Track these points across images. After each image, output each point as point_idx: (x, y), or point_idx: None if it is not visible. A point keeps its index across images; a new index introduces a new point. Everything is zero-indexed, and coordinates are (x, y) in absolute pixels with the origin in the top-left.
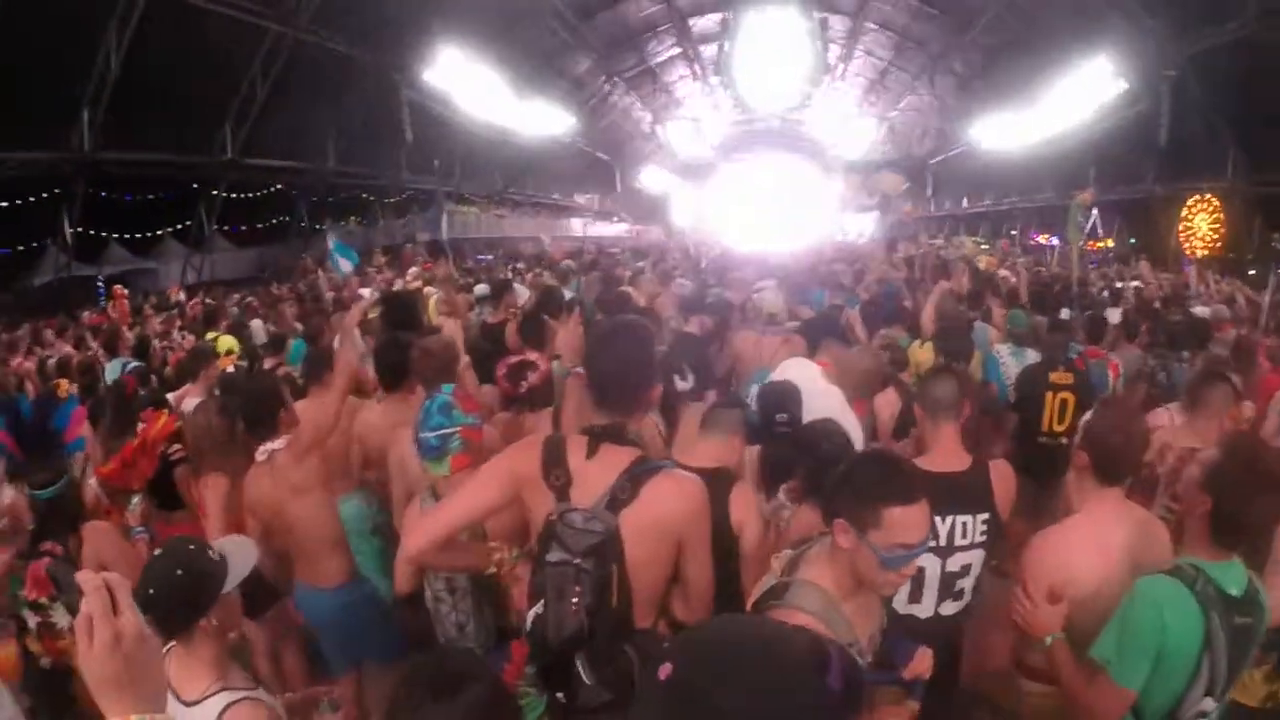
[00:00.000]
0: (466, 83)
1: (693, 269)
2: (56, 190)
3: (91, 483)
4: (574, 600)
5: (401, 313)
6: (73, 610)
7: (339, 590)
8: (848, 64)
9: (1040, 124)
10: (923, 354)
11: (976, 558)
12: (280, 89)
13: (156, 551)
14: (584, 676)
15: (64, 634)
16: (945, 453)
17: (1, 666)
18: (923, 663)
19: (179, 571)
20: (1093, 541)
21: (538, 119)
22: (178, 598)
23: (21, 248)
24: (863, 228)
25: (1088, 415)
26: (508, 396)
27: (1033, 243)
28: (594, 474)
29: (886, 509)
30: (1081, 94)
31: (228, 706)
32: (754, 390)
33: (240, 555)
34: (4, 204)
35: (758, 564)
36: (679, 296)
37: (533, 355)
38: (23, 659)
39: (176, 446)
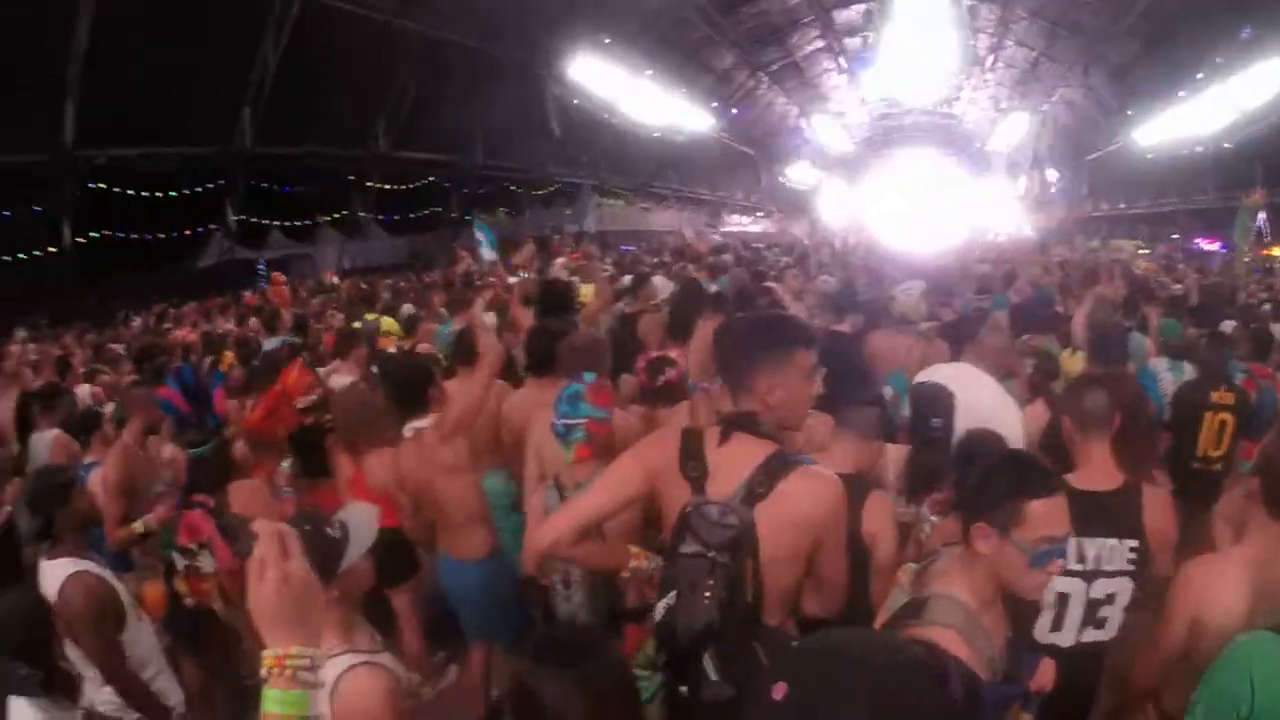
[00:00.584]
0: (612, 79)
1: (839, 265)
2: (221, 181)
3: (240, 443)
4: (706, 594)
5: (556, 300)
6: (244, 555)
7: (480, 563)
8: (998, 54)
9: (1203, 118)
10: (1074, 364)
11: (1122, 586)
12: (430, 87)
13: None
14: (710, 672)
15: (208, 577)
16: (1094, 469)
17: (149, 603)
18: (1046, 674)
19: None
20: (1252, 577)
21: (682, 113)
22: None
23: (189, 232)
24: (1013, 228)
25: (1269, 439)
26: (643, 389)
27: (1196, 247)
28: (730, 466)
29: (1028, 504)
30: (1247, 85)
31: (349, 669)
32: (888, 391)
33: (364, 525)
34: (173, 193)
35: (889, 576)
36: (824, 294)
37: (673, 351)
38: (169, 598)
39: (328, 416)
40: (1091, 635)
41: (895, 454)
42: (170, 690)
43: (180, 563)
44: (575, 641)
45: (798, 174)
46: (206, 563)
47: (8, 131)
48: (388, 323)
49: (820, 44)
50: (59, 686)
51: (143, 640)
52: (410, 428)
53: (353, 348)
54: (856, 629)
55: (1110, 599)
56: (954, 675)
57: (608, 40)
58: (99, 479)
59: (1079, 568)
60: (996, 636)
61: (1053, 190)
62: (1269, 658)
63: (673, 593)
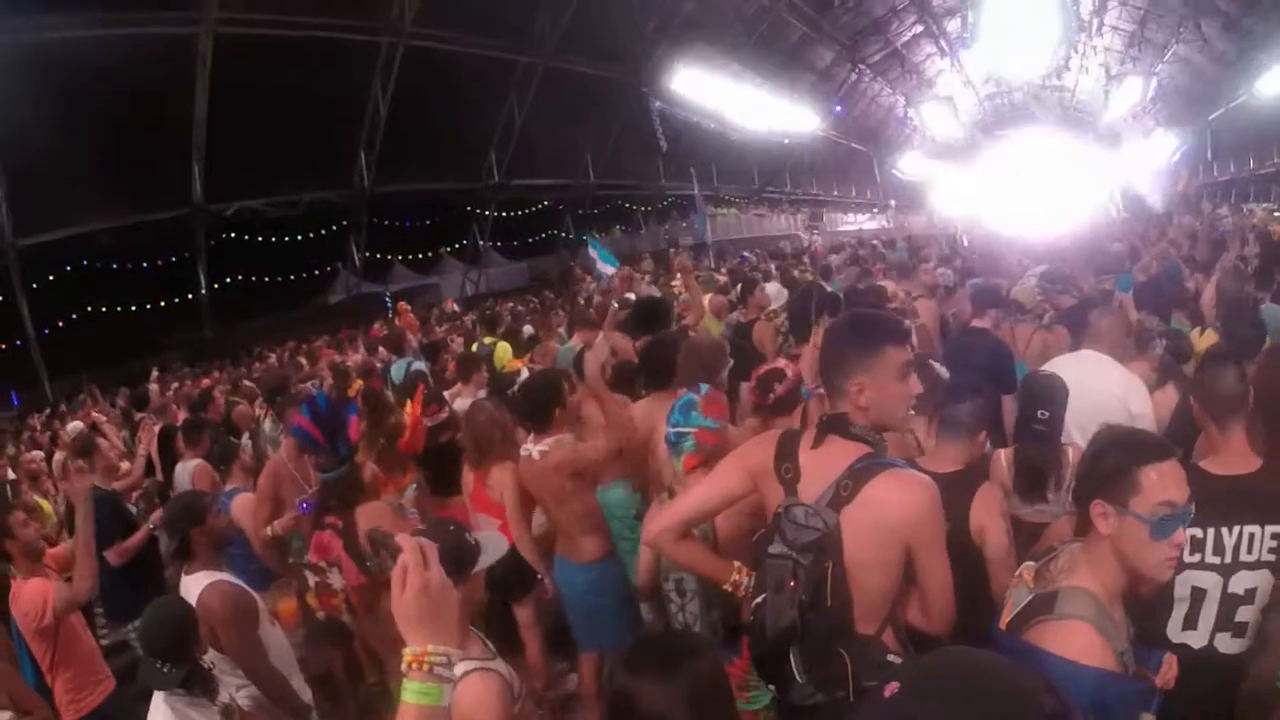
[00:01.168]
0: (714, 88)
1: (957, 257)
2: (344, 221)
3: (370, 464)
4: (789, 595)
5: (648, 317)
6: (385, 568)
7: (591, 565)
8: (1102, 17)
9: None
10: (1204, 342)
11: (1264, 581)
12: (537, 114)
13: (420, 526)
14: (796, 673)
15: (337, 593)
16: (1230, 453)
17: (283, 616)
18: (1170, 671)
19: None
20: None
21: (789, 115)
22: None
23: (318, 271)
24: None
25: None
26: (756, 406)
27: None
28: (820, 468)
29: (1141, 471)
30: None
31: (465, 675)
32: None
33: (492, 546)
34: (299, 236)
35: (1007, 571)
36: (943, 288)
37: (783, 363)
38: (302, 611)
39: (457, 434)
40: (1227, 644)
41: (1009, 455)
42: (302, 692)
43: (311, 579)
44: (669, 648)
45: (910, 165)
46: (336, 579)
47: (147, 193)
48: (502, 348)
49: (919, 29)
50: (198, 683)
51: (274, 646)
52: (527, 447)
53: (473, 371)
54: (982, 651)
55: (1249, 595)
56: (1072, 712)
57: (707, 50)
58: (242, 504)
59: (1215, 560)
60: (1124, 631)
61: (1175, 156)
62: None
63: (763, 593)
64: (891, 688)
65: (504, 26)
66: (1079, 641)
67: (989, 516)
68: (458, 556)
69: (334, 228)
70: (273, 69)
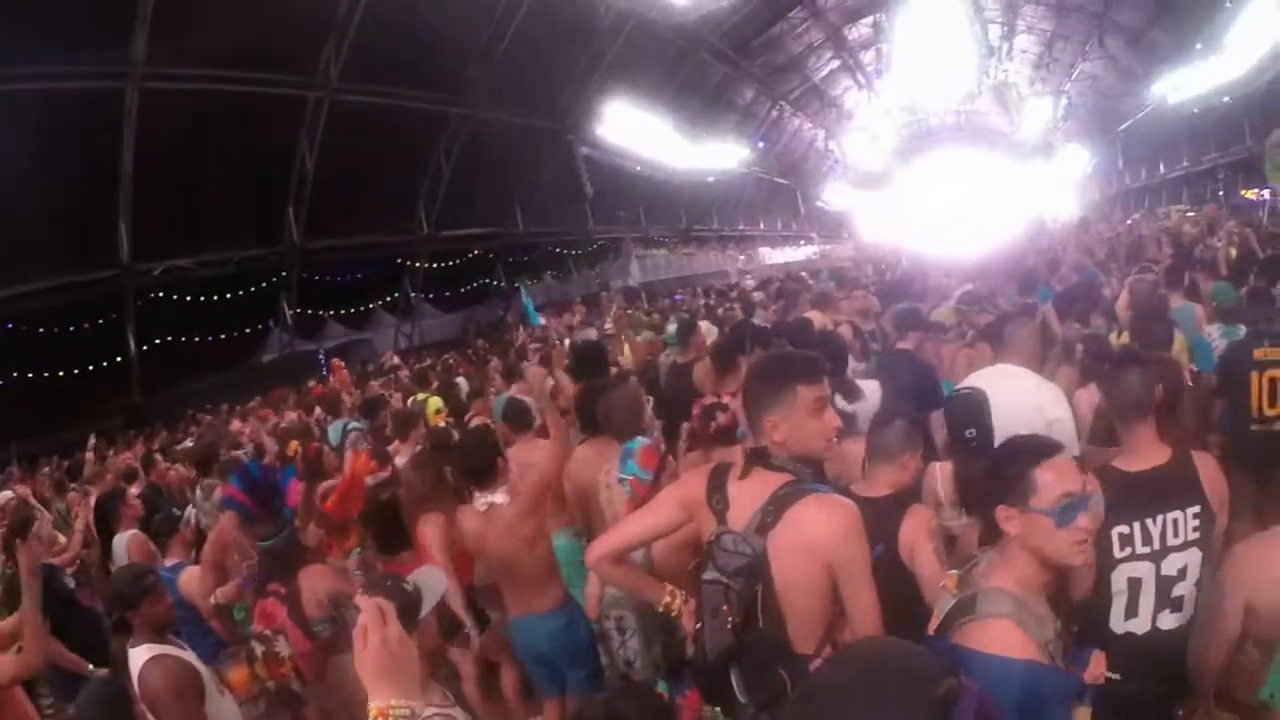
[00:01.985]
0: (639, 132)
1: (881, 281)
2: (275, 278)
3: (312, 527)
4: (726, 619)
5: (588, 362)
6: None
7: (551, 615)
8: (1010, 41)
9: (1230, 66)
10: (1122, 344)
11: (1193, 558)
12: (465, 164)
13: (361, 589)
14: (739, 694)
15: (284, 660)
16: (1142, 449)
17: (236, 686)
18: (1098, 667)
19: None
20: None
21: (713, 155)
22: None
23: (249, 330)
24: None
25: None
26: (694, 435)
27: (1242, 200)
28: (747, 497)
29: (1036, 471)
30: (1267, 22)
31: None
32: None
33: (431, 584)
34: (230, 295)
35: (939, 589)
36: (873, 312)
37: (725, 396)
38: (253, 679)
39: (400, 490)
40: (1169, 621)
41: (945, 469)
42: None
43: (259, 649)
44: (610, 712)
45: (834, 195)
46: (283, 647)
47: (73, 253)
48: (433, 403)
49: (836, 64)
50: None
51: (226, 716)
52: (483, 501)
53: (410, 428)
54: (895, 641)
55: (1183, 574)
56: (971, 698)
57: (631, 95)
58: (190, 578)
59: (1146, 550)
60: (1049, 624)
61: (1087, 169)
62: None
63: (700, 621)
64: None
65: (432, 80)
66: (1001, 637)
67: (918, 536)
68: (403, 608)
69: (264, 285)
70: (200, 125)
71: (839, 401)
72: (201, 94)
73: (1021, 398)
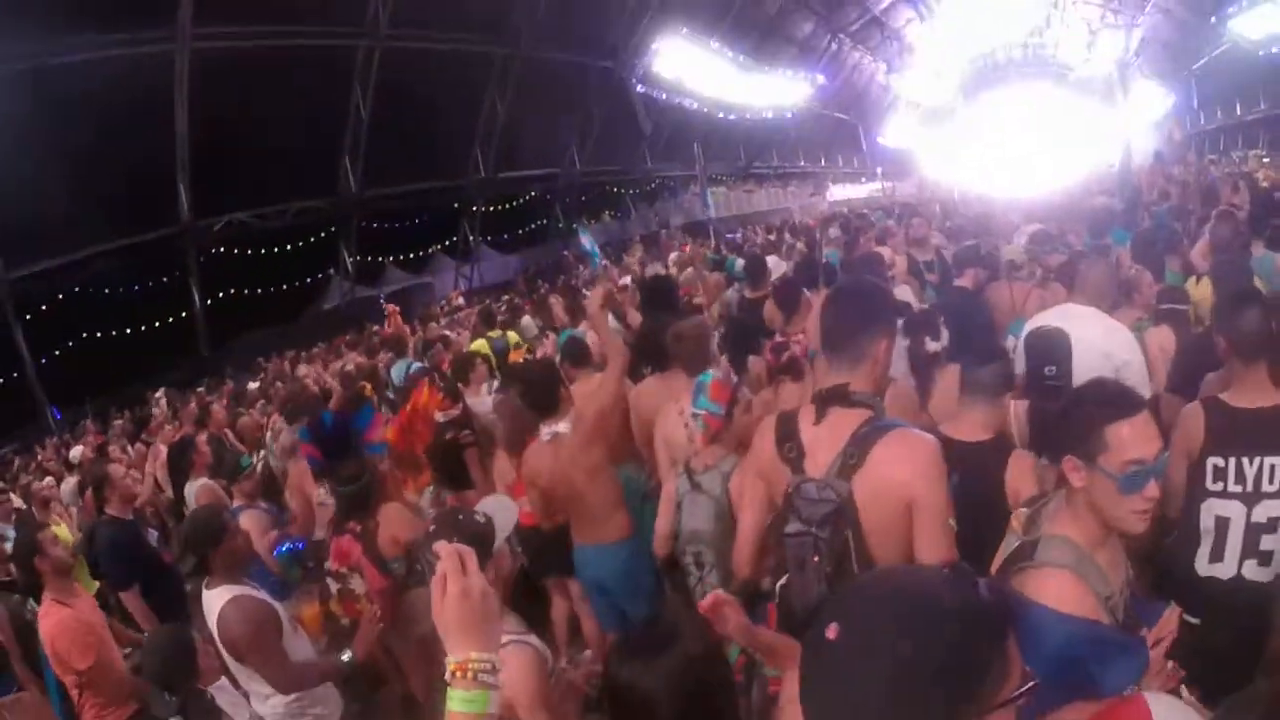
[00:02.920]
0: (695, 68)
1: (949, 220)
2: (334, 227)
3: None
4: (814, 570)
5: (658, 296)
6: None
7: (620, 545)
8: None
9: None
10: (1200, 291)
11: None
12: (519, 106)
13: (430, 525)
14: None
15: (360, 598)
16: (1252, 387)
17: (306, 624)
18: (1169, 624)
19: (454, 539)
20: None
21: (771, 90)
22: None
23: (310, 280)
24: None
25: None
26: (770, 370)
27: None
28: (824, 441)
29: (1108, 427)
30: None
31: (501, 648)
32: (1011, 342)
33: (503, 514)
34: (290, 246)
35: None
36: (939, 250)
37: (794, 333)
38: (325, 618)
39: (466, 432)
40: (1255, 571)
41: (1017, 409)
42: (331, 697)
43: (333, 587)
44: (655, 630)
45: (896, 132)
46: (358, 584)
47: (134, 215)
48: (512, 337)
49: None
50: (195, 712)
51: (300, 654)
52: (547, 431)
53: (469, 372)
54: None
55: (1273, 525)
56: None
57: (685, 30)
58: (250, 521)
59: (1238, 489)
60: (1114, 577)
61: (1161, 108)
62: None
63: (786, 572)
64: (832, 629)
65: (480, 22)
66: (1055, 588)
67: (1022, 481)
68: (478, 539)
69: (324, 235)
70: (252, 82)
71: (929, 343)
72: (252, 50)
73: (1089, 341)
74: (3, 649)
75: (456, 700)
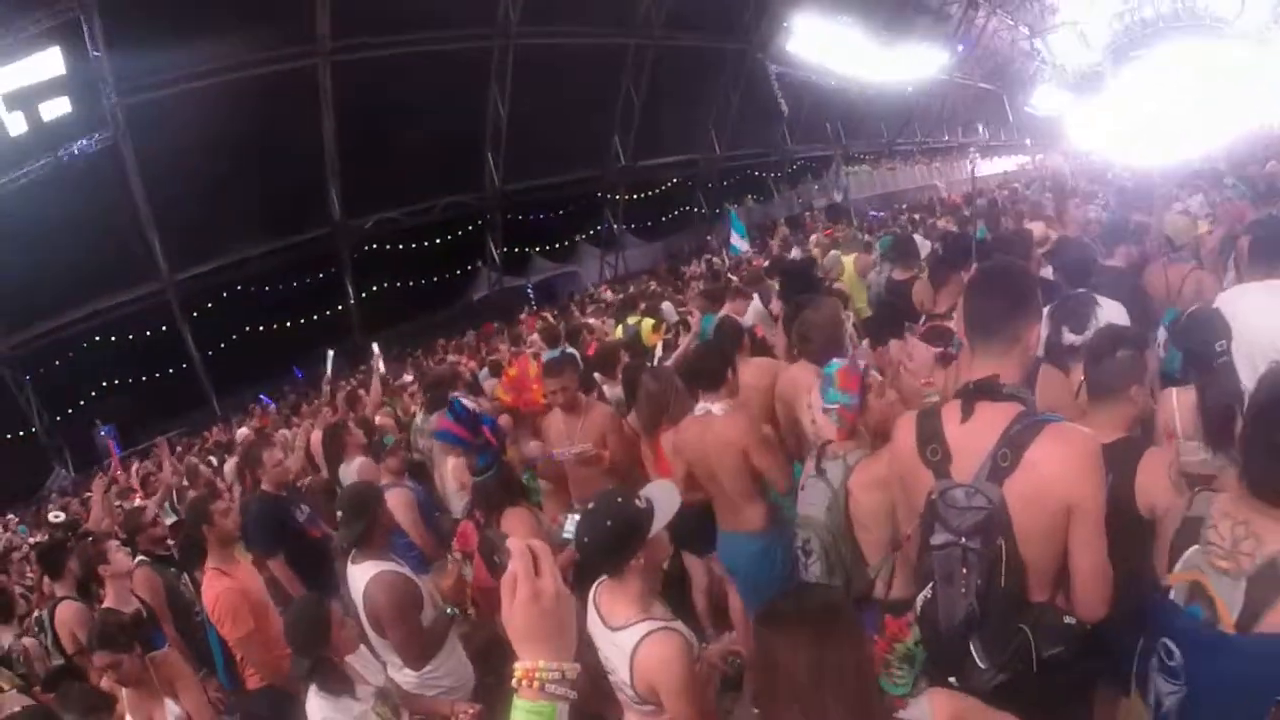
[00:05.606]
0: (829, 44)
1: (1106, 192)
2: (480, 221)
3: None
4: (962, 585)
5: (797, 280)
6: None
7: (756, 536)
8: None
9: None
10: None
11: None
12: (655, 93)
13: (589, 505)
14: (978, 660)
15: (467, 586)
16: None
17: (448, 594)
18: None
19: (608, 522)
20: None
21: (909, 63)
22: (607, 544)
23: (459, 271)
24: None
25: None
26: (939, 356)
27: None
28: (972, 441)
29: None
30: None
31: (648, 634)
32: (1161, 334)
33: (666, 499)
34: (438, 240)
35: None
36: (1084, 225)
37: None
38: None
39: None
40: None
41: (1183, 399)
42: (464, 667)
43: (452, 565)
44: (803, 603)
45: (1044, 100)
46: (469, 573)
47: (289, 218)
48: (647, 324)
49: None
50: (323, 677)
51: (439, 625)
52: (702, 408)
53: (612, 364)
54: None
55: None
56: None
57: (817, 9)
58: (395, 499)
59: None
60: None
61: None
62: None
63: (930, 585)
64: None
65: (609, 13)
66: None
67: (1161, 488)
68: (630, 526)
69: (470, 228)
70: (393, 86)
71: (1066, 334)
72: (391, 57)
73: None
74: (154, 612)
75: (521, 711)
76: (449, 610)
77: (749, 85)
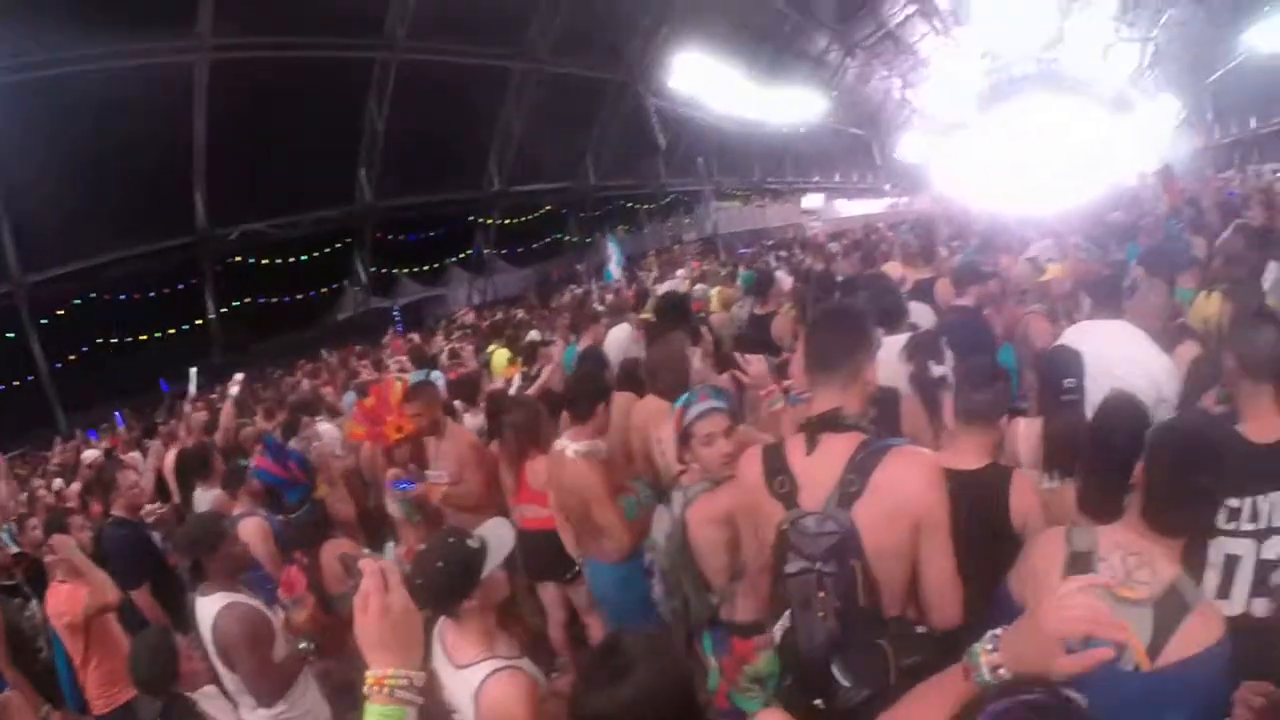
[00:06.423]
0: (710, 82)
1: (961, 236)
2: (349, 238)
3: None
4: (820, 611)
5: (671, 312)
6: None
7: (614, 566)
8: None
9: None
10: (1209, 307)
11: None
12: (535, 118)
13: (421, 545)
14: (841, 679)
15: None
16: (1266, 416)
17: (300, 629)
18: None
19: (439, 564)
20: None
21: (786, 105)
22: (439, 586)
23: (325, 290)
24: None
25: None
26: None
27: None
28: (818, 471)
29: None
30: None
31: (492, 673)
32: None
33: (499, 537)
34: (305, 256)
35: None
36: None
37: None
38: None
39: None
40: (1261, 609)
41: (1026, 429)
42: (319, 707)
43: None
44: (618, 652)
45: (911, 146)
46: (300, 614)
47: (151, 223)
48: (500, 355)
49: (913, 9)
50: (178, 716)
51: (292, 660)
52: (561, 443)
53: (472, 393)
54: None
55: None
56: None
57: (702, 44)
58: (249, 528)
59: (1250, 527)
60: None
61: (1175, 121)
62: None
63: (787, 612)
64: None
65: (497, 34)
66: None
67: (1031, 506)
68: (462, 567)
69: (339, 245)
70: (269, 92)
71: (933, 367)
72: (271, 60)
73: (1141, 365)
74: None
75: (373, 715)
76: (302, 645)
77: (628, 116)
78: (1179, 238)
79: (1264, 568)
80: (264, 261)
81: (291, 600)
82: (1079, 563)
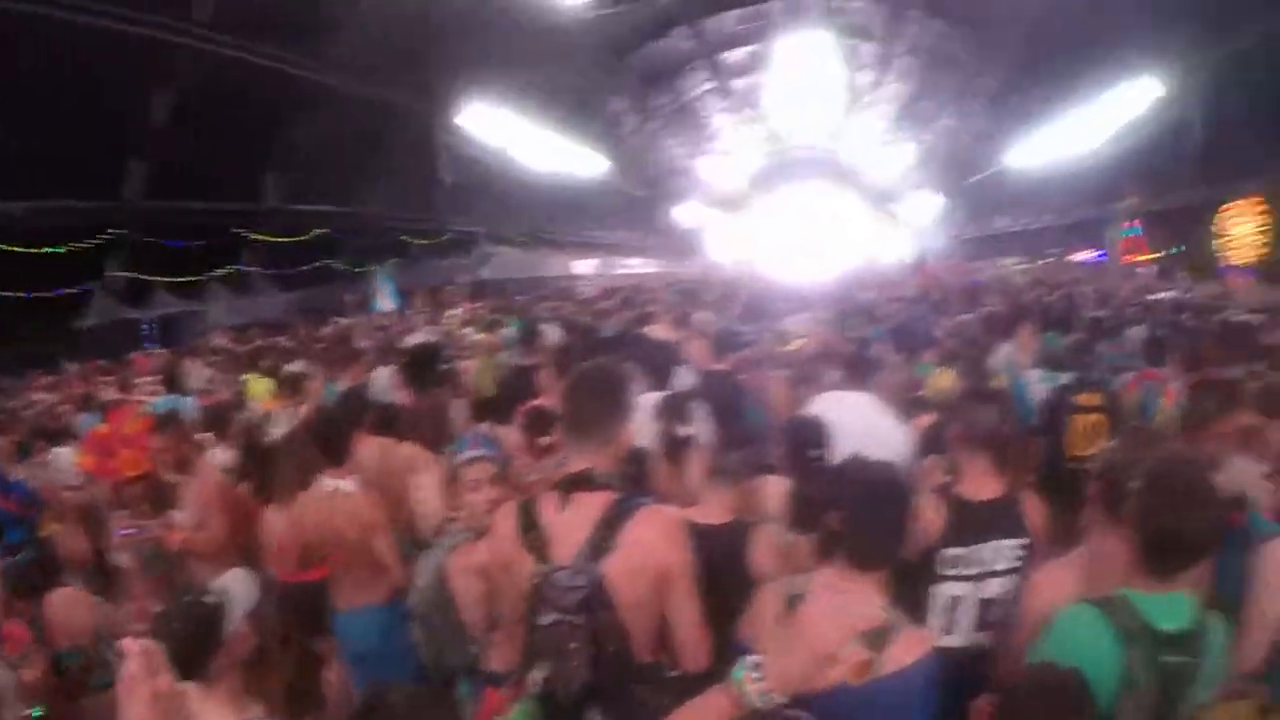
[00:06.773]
0: (502, 127)
1: (728, 304)
2: (103, 236)
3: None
4: (574, 660)
5: (420, 369)
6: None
7: (382, 608)
8: (879, 90)
9: (1074, 137)
10: (943, 380)
11: (1012, 584)
12: (321, 138)
13: (157, 609)
14: None
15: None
16: (981, 478)
17: (33, 690)
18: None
19: (175, 626)
20: (1088, 578)
21: (574, 158)
22: (179, 650)
23: (70, 290)
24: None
25: (1112, 445)
26: (530, 442)
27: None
28: (570, 528)
29: None
30: (1115, 103)
31: None
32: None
33: (239, 590)
34: (46, 249)
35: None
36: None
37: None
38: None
39: None
40: (983, 639)
41: (778, 487)
42: None
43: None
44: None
45: (688, 213)
46: (29, 674)
47: None
48: (258, 386)
49: (710, 85)
50: None
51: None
52: (330, 483)
53: (224, 426)
54: None
55: (999, 598)
56: None
57: (498, 89)
58: None
59: (970, 573)
60: None
61: (934, 215)
62: (1088, 633)
63: (542, 663)
64: None
65: (288, 39)
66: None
67: (770, 559)
68: (202, 626)
69: (90, 243)
70: (38, 54)
71: (680, 428)
72: (51, 27)
73: (883, 439)
74: None
75: None
76: (34, 712)
77: (415, 150)
78: (923, 318)
79: (983, 606)
80: (10, 248)
81: (18, 658)
82: (794, 604)
